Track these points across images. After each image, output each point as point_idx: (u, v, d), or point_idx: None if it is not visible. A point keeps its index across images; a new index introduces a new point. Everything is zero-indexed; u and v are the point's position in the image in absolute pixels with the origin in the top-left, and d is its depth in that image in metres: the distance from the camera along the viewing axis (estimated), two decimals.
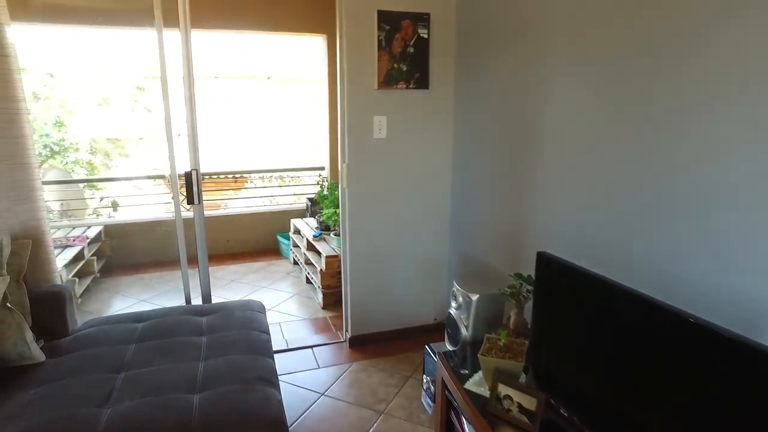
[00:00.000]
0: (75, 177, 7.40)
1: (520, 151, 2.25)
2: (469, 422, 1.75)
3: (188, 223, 2.66)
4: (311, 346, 3.03)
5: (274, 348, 2.86)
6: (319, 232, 4.06)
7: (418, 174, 2.90)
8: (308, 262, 4.07)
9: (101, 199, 6.05)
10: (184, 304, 2.80)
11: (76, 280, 3.57)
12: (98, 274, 4.17)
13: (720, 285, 1.32)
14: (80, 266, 3.77)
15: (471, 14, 2.62)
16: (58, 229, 4.36)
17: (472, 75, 2.66)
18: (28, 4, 3.94)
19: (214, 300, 3.74)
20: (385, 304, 3.03)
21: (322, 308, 3.67)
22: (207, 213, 5.16)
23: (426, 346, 2.38)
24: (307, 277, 4.15)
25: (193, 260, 2.76)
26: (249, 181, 7.51)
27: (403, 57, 2.67)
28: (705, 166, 1.33)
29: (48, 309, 2.15)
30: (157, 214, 5.07)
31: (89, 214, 5.53)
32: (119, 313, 3.56)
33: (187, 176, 2.51)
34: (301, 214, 5.01)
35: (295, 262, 4.65)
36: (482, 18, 2.51)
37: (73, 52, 7.76)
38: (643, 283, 1.39)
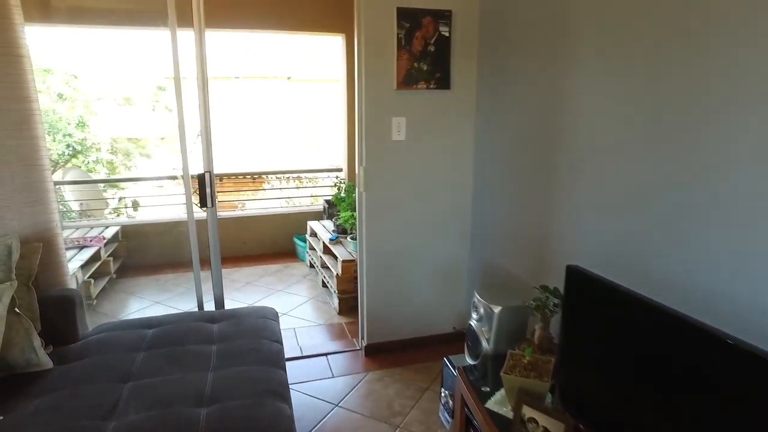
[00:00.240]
0: (96, 176, 7.48)
1: (545, 156, 2.13)
2: None
3: (203, 224, 2.60)
4: (326, 354, 2.94)
5: (288, 355, 2.82)
6: (336, 235, 3.98)
7: (437, 178, 2.79)
8: (324, 266, 4.00)
9: (120, 199, 6.08)
10: (197, 308, 2.73)
11: (92, 281, 3.55)
12: (114, 275, 4.16)
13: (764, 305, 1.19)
14: (96, 267, 3.76)
15: (494, 11, 2.50)
16: (77, 229, 4.38)
17: (495, 75, 2.55)
18: (43, 6, 3.96)
19: (229, 303, 3.70)
20: (402, 312, 2.93)
21: (338, 313, 3.59)
22: (224, 214, 5.15)
23: (444, 359, 2.27)
24: (323, 281, 4.08)
25: (207, 262, 2.69)
26: (266, 182, 7.49)
27: (424, 56, 2.57)
28: (746, 175, 1.20)
29: (58, 314, 2.11)
30: (175, 214, 5.06)
31: (108, 214, 5.56)
32: (132, 317, 3.56)
33: (200, 178, 2.45)
34: (318, 216, 4.94)
35: (311, 265, 4.58)
36: (506, 15, 2.40)
37: (96, 53, 7.85)
38: (676, 298, 1.27)
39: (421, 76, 2.59)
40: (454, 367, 2.16)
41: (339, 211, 4.17)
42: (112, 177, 7.70)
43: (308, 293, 4.04)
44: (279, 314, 3.50)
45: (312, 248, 4.49)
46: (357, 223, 2.86)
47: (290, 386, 2.52)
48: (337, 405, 2.45)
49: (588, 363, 1.53)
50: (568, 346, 1.58)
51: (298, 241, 4.99)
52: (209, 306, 2.75)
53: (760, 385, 0.97)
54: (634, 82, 1.60)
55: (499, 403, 1.71)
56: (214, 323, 2.26)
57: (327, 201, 4.73)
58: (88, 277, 3.55)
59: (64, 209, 5.08)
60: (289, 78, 11.75)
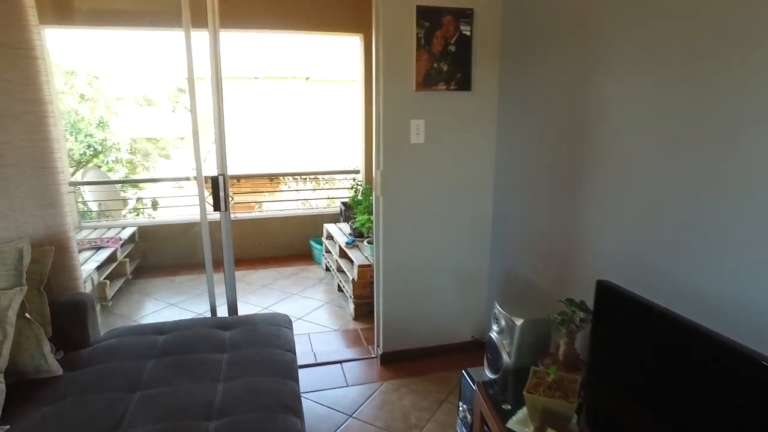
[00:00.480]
0: (115, 176, 7.56)
1: (571, 161, 2.02)
2: None
3: (218, 226, 2.55)
4: (340, 362, 2.87)
5: (302, 361, 2.76)
6: (352, 239, 3.92)
7: (457, 182, 2.70)
8: (340, 270, 3.93)
9: (138, 199, 6.11)
10: (210, 312, 2.69)
11: (108, 282, 3.55)
12: (130, 276, 4.16)
13: None
14: (113, 268, 3.76)
15: (518, 9, 2.40)
16: (94, 229, 4.39)
17: (518, 76, 2.44)
18: (58, 7, 3.98)
19: (243, 307, 3.67)
20: (419, 319, 2.85)
21: (354, 319, 3.52)
22: (240, 215, 5.12)
23: (463, 371, 2.18)
24: (338, 285, 4.02)
25: (222, 265, 2.64)
26: (283, 182, 7.47)
27: (444, 56, 2.48)
28: None
29: (69, 318, 2.07)
30: (191, 215, 5.05)
31: (126, 215, 5.59)
32: (147, 319, 3.54)
33: (214, 181, 2.40)
34: (334, 218, 4.88)
35: (327, 269, 4.52)
36: (531, 13, 2.30)
37: (118, 54, 7.94)
38: (711, 316, 1.16)
39: (441, 76, 2.50)
40: (473, 381, 2.07)
41: (356, 214, 4.10)
42: (128, 178, 7.76)
43: (324, 297, 3.98)
44: (293, 319, 3.48)
45: (328, 251, 4.44)
46: (374, 228, 2.79)
47: (303, 395, 2.48)
48: (351, 416, 2.38)
49: (618, 384, 1.43)
50: (597, 366, 1.48)
51: (314, 244, 4.94)
52: (222, 310, 2.70)
53: None
54: (670, 84, 1.49)
55: (521, 423, 1.61)
56: (226, 330, 2.20)
57: (344, 203, 4.66)
58: (104, 279, 3.54)
59: (85, 209, 5.12)
60: (307, 78, 11.77)
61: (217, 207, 2.44)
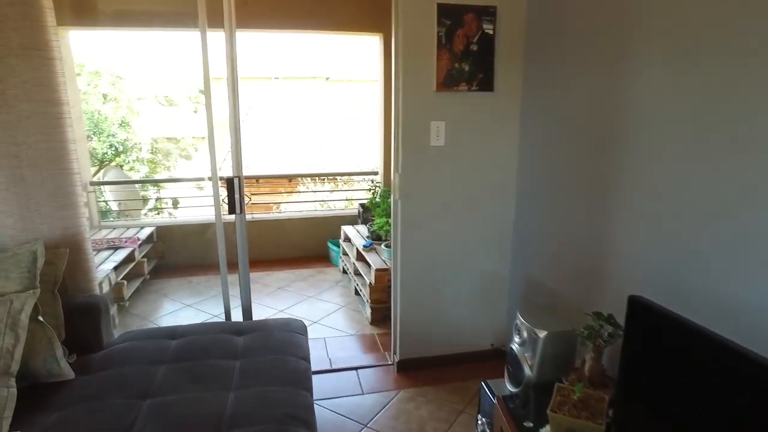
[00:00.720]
0: (136, 175, 7.64)
1: (600, 167, 1.92)
2: None
3: (234, 228, 2.51)
4: (356, 368, 2.81)
5: (317, 367, 2.71)
6: (370, 242, 3.85)
7: (478, 186, 2.61)
8: (357, 273, 3.87)
9: (157, 199, 6.16)
10: (224, 316, 2.66)
11: (125, 283, 3.55)
12: (148, 276, 4.16)
13: None
14: (130, 268, 3.76)
15: (544, 7, 2.31)
16: (113, 229, 4.42)
17: (543, 76, 2.35)
18: (76, 8, 4.01)
19: (259, 309, 3.64)
20: (437, 326, 2.77)
21: (370, 323, 3.46)
22: (258, 216, 5.10)
23: (483, 383, 2.10)
24: (355, 288, 3.96)
25: (237, 267, 2.60)
26: (301, 183, 7.45)
27: (465, 56, 2.40)
28: None
29: (83, 321, 2.06)
30: (209, 216, 5.06)
31: (145, 214, 5.63)
32: (163, 319, 3.54)
33: (229, 183, 2.36)
34: (352, 220, 4.82)
35: (345, 271, 4.47)
36: (557, 11, 2.20)
37: (140, 55, 8.03)
38: (750, 336, 1.06)
39: (463, 77, 2.42)
40: (492, 394, 1.98)
41: (374, 217, 4.04)
42: (147, 177, 7.84)
43: (340, 301, 3.93)
44: (309, 322, 3.45)
45: (345, 254, 4.38)
46: (392, 231, 2.72)
47: (317, 402, 2.42)
48: (366, 425, 2.31)
49: (651, 404, 1.33)
50: (628, 384, 1.39)
51: (331, 246, 4.89)
52: (237, 313, 2.66)
53: None
54: (710, 87, 1.39)
55: None
56: (239, 335, 2.16)
57: (362, 205, 4.61)
58: (122, 279, 3.54)
59: (106, 209, 5.16)
60: (327, 79, 11.77)
61: (232, 209, 2.40)
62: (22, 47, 2.00)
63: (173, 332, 2.19)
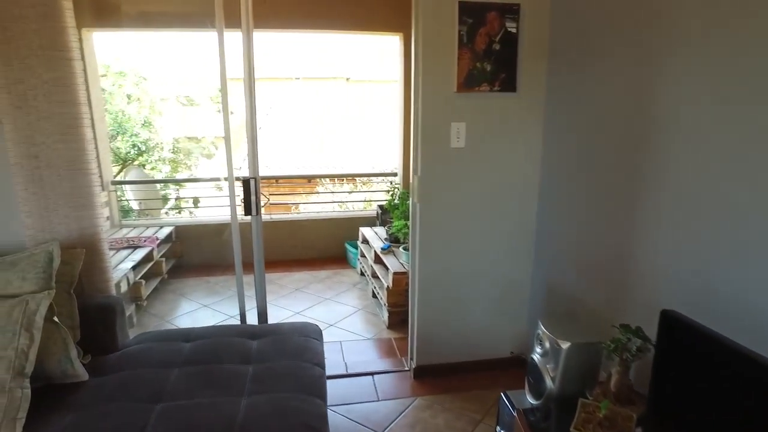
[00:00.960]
0: (158, 175, 7.73)
1: (629, 171, 1.84)
2: None
3: (250, 228, 2.49)
4: (372, 374, 2.76)
5: (333, 372, 2.67)
6: (388, 244, 3.80)
7: (499, 189, 2.54)
8: (375, 276, 3.82)
9: (177, 198, 6.21)
10: (239, 318, 2.63)
11: (143, 282, 3.56)
12: (166, 275, 4.18)
13: None
14: (149, 267, 3.78)
15: (570, 4, 2.22)
16: (134, 228, 4.45)
17: (569, 76, 2.26)
18: (96, 10, 4.06)
19: (275, 311, 3.63)
20: (455, 332, 2.70)
21: (387, 327, 3.41)
22: (277, 217, 5.09)
23: (502, 394, 2.02)
24: (373, 291, 3.91)
25: (253, 268, 2.58)
26: (320, 184, 7.44)
27: (487, 55, 2.33)
28: None
29: (98, 322, 2.05)
30: (227, 216, 5.07)
31: (164, 213, 5.67)
32: (180, 319, 3.54)
33: (245, 185, 2.33)
34: (371, 221, 4.78)
35: (362, 273, 4.43)
36: (584, 8, 2.11)
37: (164, 56, 8.13)
38: None
39: (484, 77, 2.35)
40: (512, 406, 1.91)
41: (392, 219, 3.98)
42: (166, 177, 7.91)
43: (357, 303, 3.89)
44: (326, 325, 3.42)
45: (363, 256, 4.34)
46: (410, 235, 2.66)
47: (332, 408, 2.38)
48: None
49: (684, 424, 1.25)
50: (659, 402, 1.31)
51: (349, 247, 4.85)
52: (252, 315, 2.64)
53: None
54: (749, 89, 1.30)
55: None
56: (253, 340, 2.13)
57: (380, 207, 4.56)
58: (140, 278, 3.56)
59: (127, 208, 5.22)
60: (348, 79, 11.75)
61: (248, 211, 2.37)
62: (42, 48, 2.00)
63: (187, 334, 2.17)
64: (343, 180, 7.65)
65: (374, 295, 3.88)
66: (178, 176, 8.30)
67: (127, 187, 5.26)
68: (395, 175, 5.25)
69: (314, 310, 3.76)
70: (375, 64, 10.91)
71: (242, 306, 2.59)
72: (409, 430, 2.28)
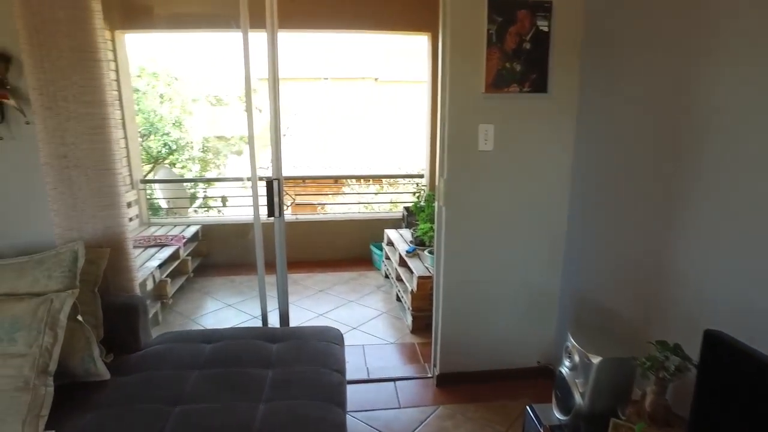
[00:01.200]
0: (188, 174, 7.86)
1: (669, 177, 1.73)
2: None
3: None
4: (394, 380, 2.71)
5: (354, 376, 2.63)
6: (413, 247, 3.74)
7: (528, 194, 2.45)
8: (399, 279, 3.77)
9: (204, 197, 6.29)
10: (260, 320, 2.62)
11: (169, 280, 3.60)
12: (192, 274, 4.22)
13: None
14: (175, 266, 3.82)
15: (605, 1, 2.12)
16: (161, 226, 4.52)
17: (603, 76, 2.16)
18: (128, 13, 4.13)
19: (298, 312, 3.62)
20: (480, 340, 2.62)
21: (411, 332, 3.35)
22: (303, 217, 5.10)
23: (528, 408, 1.94)
24: (397, 294, 3.85)
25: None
26: (346, 184, 7.42)
27: (517, 54, 2.25)
28: None
29: (121, 321, 2.07)
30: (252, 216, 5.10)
31: (197, 210, 5.75)
32: (203, 321, 3.55)
33: (268, 185, 2.31)
34: (396, 223, 4.72)
35: (387, 276, 4.38)
36: (621, 3, 2.01)
37: (195, 56, 8.26)
38: None
39: (514, 77, 2.27)
40: (539, 421, 1.83)
41: (418, 221, 3.92)
42: (194, 177, 8.03)
43: (381, 306, 3.84)
44: (348, 328, 3.38)
45: (388, 258, 4.29)
46: (435, 238, 2.60)
47: (352, 414, 2.34)
48: None
49: None
50: (701, 428, 1.22)
51: (374, 249, 4.81)
52: (274, 316, 2.62)
53: None
54: None
55: None
56: (274, 343, 2.11)
57: (406, 209, 4.50)
58: (166, 276, 3.60)
59: (157, 207, 5.31)
60: (376, 79, 11.73)
61: (271, 212, 2.35)
62: (72, 50, 2.03)
63: (209, 336, 2.17)
64: (369, 181, 7.62)
65: (398, 299, 3.83)
66: (209, 175, 8.43)
67: (156, 185, 5.35)
68: (422, 176, 5.18)
69: (338, 312, 3.73)
70: (404, 65, 10.85)
71: (264, 308, 2.58)
72: None
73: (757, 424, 1.07)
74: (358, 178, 7.74)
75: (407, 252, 3.69)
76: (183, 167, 7.79)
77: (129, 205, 4.24)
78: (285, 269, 2.52)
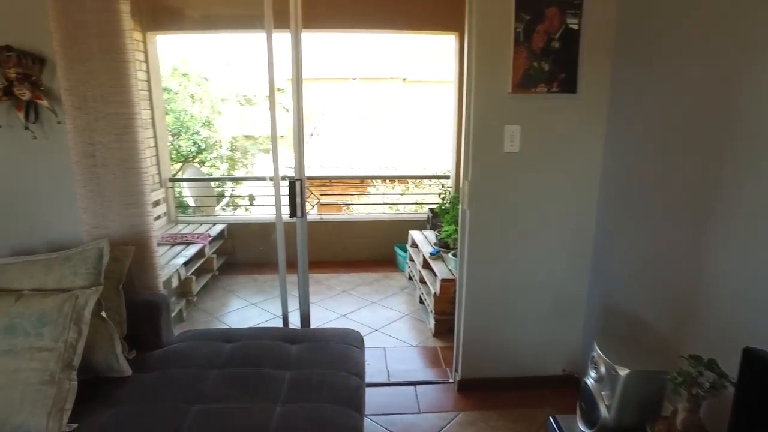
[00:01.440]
0: (216, 172, 7.99)
1: (706, 182, 1.64)
2: None
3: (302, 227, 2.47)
4: (414, 384, 2.67)
5: (374, 379, 2.61)
6: (437, 249, 3.69)
7: (554, 197, 2.38)
8: (423, 281, 3.73)
9: (230, 196, 6.37)
10: (281, 320, 2.62)
11: (194, 278, 3.65)
12: (217, 272, 4.28)
13: None
14: (200, 264, 3.87)
15: None
16: (188, 224, 4.59)
17: (636, 75, 2.08)
18: (157, 15, 4.20)
19: (320, 312, 3.62)
20: (503, 346, 2.56)
21: (433, 335, 3.31)
22: (328, 217, 5.10)
23: (551, 419, 1.88)
24: (420, 296, 3.81)
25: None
26: (372, 185, 7.41)
27: (546, 53, 2.18)
28: None
29: (143, 319, 2.09)
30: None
31: (225, 208, 5.82)
32: (226, 319, 3.59)
33: (291, 186, 2.31)
34: (421, 225, 4.68)
35: (410, 278, 4.34)
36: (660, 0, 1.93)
37: (223, 57, 8.40)
38: None
39: (542, 77, 2.20)
40: None
41: (443, 223, 3.87)
42: (219, 176, 8.15)
43: (404, 308, 3.81)
44: (370, 330, 3.36)
45: (412, 260, 4.25)
46: (458, 241, 2.55)
47: (371, 418, 2.32)
48: None
49: None
50: None
51: (398, 250, 4.78)
52: (295, 316, 2.62)
53: None
54: None
55: None
56: (293, 344, 2.10)
57: (431, 210, 4.45)
58: (191, 274, 3.65)
59: (185, 205, 5.41)
60: (404, 80, 11.70)
61: (293, 213, 2.35)
62: (102, 51, 2.06)
63: (229, 335, 2.18)
64: (395, 181, 7.59)
65: (421, 301, 3.79)
66: (234, 174, 8.55)
67: (184, 183, 5.45)
68: (447, 178, 5.12)
69: (360, 313, 3.71)
70: (433, 65, 10.80)
71: (285, 308, 2.58)
72: None
73: None
74: (383, 178, 7.73)
75: (431, 254, 3.65)
76: (211, 166, 7.93)
77: (157, 203, 4.33)
78: (306, 270, 2.51)
